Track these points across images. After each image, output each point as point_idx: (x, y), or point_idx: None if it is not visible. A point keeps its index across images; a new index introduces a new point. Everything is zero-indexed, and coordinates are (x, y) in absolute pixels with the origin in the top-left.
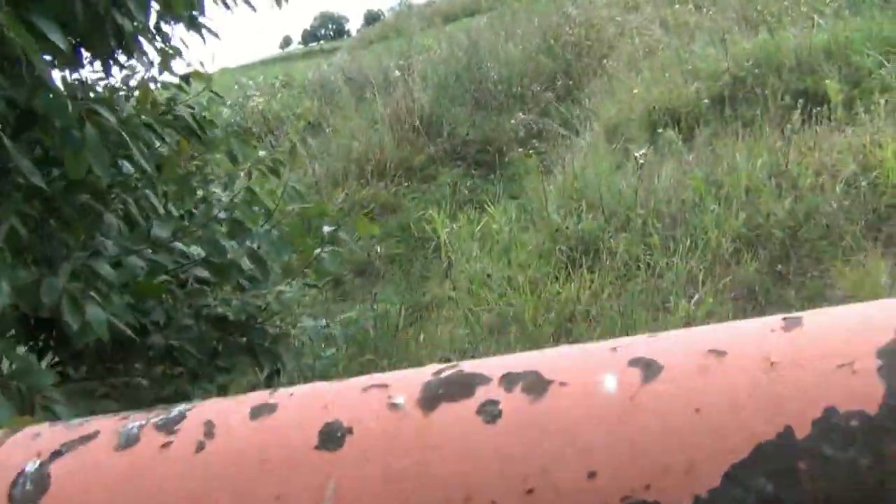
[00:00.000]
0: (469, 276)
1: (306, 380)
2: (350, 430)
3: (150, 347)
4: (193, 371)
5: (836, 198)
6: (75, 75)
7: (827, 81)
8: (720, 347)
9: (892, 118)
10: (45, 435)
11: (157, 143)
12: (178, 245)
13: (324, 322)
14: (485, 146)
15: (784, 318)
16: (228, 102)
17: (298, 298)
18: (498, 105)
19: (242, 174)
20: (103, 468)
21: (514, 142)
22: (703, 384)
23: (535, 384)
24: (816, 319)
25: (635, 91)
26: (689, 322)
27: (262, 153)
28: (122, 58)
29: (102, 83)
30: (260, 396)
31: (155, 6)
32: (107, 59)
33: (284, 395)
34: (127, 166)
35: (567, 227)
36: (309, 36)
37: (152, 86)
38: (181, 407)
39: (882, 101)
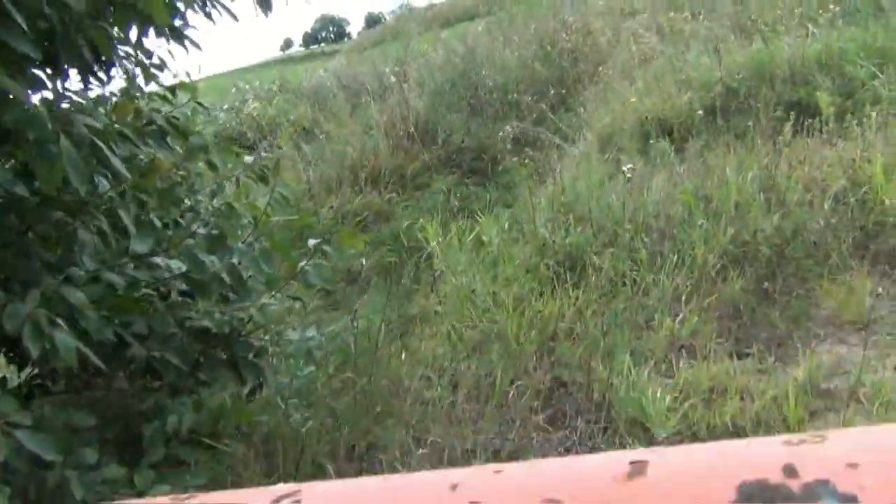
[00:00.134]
0: (456, 290)
1: (283, 399)
2: None
3: (130, 360)
4: (174, 385)
5: (824, 214)
6: (51, 89)
7: (818, 93)
8: (556, 496)
9: (882, 131)
10: None
11: (137, 154)
12: (157, 260)
13: (308, 335)
14: (479, 154)
15: (631, 463)
16: (225, 107)
17: (284, 311)
18: (493, 112)
19: (231, 182)
20: None
21: (508, 150)
22: None
23: None
24: (666, 460)
25: (629, 100)
26: (672, 341)
27: (248, 159)
28: (101, 73)
29: (87, 94)
30: None
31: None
32: (85, 72)
33: None
34: (103, 183)
35: (554, 242)
36: (310, 38)
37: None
38: None
39: (873, 114)
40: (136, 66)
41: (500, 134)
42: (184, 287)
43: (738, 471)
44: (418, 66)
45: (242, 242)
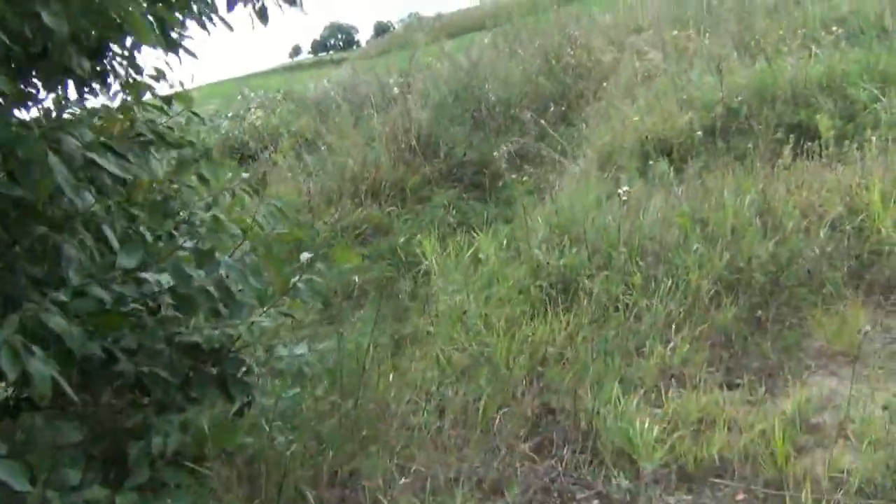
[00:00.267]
0: (449, 310)
1: (268, 421)
2: None
3: (118, 375)
4: (161, 401)
5: (819, 242)
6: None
7: (818, 116)
8: None
9: (882, 157)
10: None
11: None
12: (146, 275)
13: (299, 351)
14: (481, 168)
15: None
16: (230, 114)
17: (275, 327)
18: (496, 126)
19: (226, 194)
20: None
21: (509, 165)
22: None
23: None
24: None
25: (630, 119)
26: (663, 369)
27: (245, 175)
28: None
29: (84, 105)
30: None
31: None
32: (79, 84)
33: None
34: (88, 197)
35: (548, 263)
36: (318, 46)
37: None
38: None
39: (873, 139)
40: (125, 80)
41: (503, 148)
42: (173, 301)
43: None
44: (423, 77)
45: (231, 256)
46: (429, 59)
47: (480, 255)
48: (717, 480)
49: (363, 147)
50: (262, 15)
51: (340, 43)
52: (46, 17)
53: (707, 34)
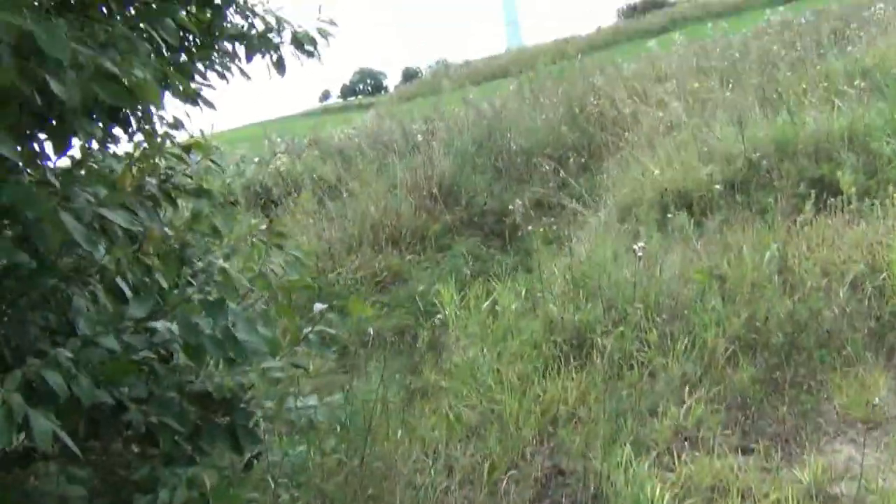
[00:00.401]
0: (462, 363)
1: (274, 478)
2: None
3: (127, 424)
4: (169, 453)
5: (840, 301)
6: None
7: (839, 172)
8: None
9: None
10: None
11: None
12: (157, 324)
13: (309, 403)
14: (502, 217)
15: None
16: (256, 159)
17: (286, 377)
18: (518, 175)
19: (247, 241)
20: None
21: (530, 214)
22: None
23: None
24: None
25: (651, 171)
26: (676, 431)
27: (262, 227)
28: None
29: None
30: None
31: None
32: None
33: None
34: (100, 248)
35: (562, 318)
36: (347, 90)
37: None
38: None
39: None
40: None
41: (524, 197)
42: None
43: None
44: (446, 125)
45: (240, 305)
46: (453, 107)
47: (497, 307)
48: None
49: (385, 194)
50: (280, 66)
51: (369, 88)
52: (55, 87)
53: (730, 85)
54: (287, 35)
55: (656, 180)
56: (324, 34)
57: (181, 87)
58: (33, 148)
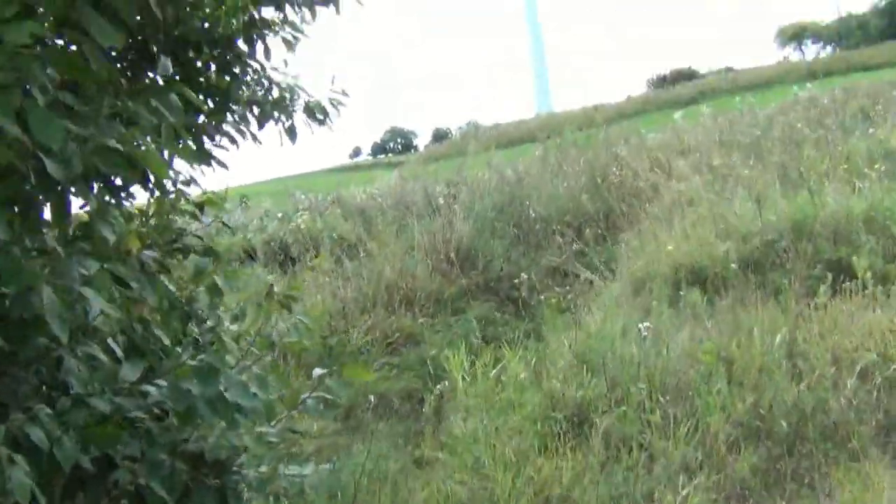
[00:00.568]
0: (463, 435)
1: None
2: None
3: (115, 484)
4: None
5: (848, 392)
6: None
7: (855, 258)
8: None
9: None
10: None
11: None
12: (150, 388)
13: (304, 472)
14: (518, 283)
15: None
16: (279, 215)
17: (281, 441)
18: (536, 242)
19: (251, 306)
20: None
21: (546, 282)
22: None
23: None
24: None
25: (666, 246)
26: None
27: (274, 287)
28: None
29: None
30: None
31: None
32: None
33: None
34: (95, 308)
35: (564, 394)
36: (377, 148)
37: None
38: None
39: None
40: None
41: (541, 264)
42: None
43: None
44: (469, 188)
45: (237, 365)
46: (477, 170)
47: (503, 378)
48: None
49: (402, 255)
50: (291, 133)
51: (399, 146)
52: (50, 167)
53: (752, 161)
54: (300, 104)
55: (671, 255)
56: (335, 104)
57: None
58: (34, 215)
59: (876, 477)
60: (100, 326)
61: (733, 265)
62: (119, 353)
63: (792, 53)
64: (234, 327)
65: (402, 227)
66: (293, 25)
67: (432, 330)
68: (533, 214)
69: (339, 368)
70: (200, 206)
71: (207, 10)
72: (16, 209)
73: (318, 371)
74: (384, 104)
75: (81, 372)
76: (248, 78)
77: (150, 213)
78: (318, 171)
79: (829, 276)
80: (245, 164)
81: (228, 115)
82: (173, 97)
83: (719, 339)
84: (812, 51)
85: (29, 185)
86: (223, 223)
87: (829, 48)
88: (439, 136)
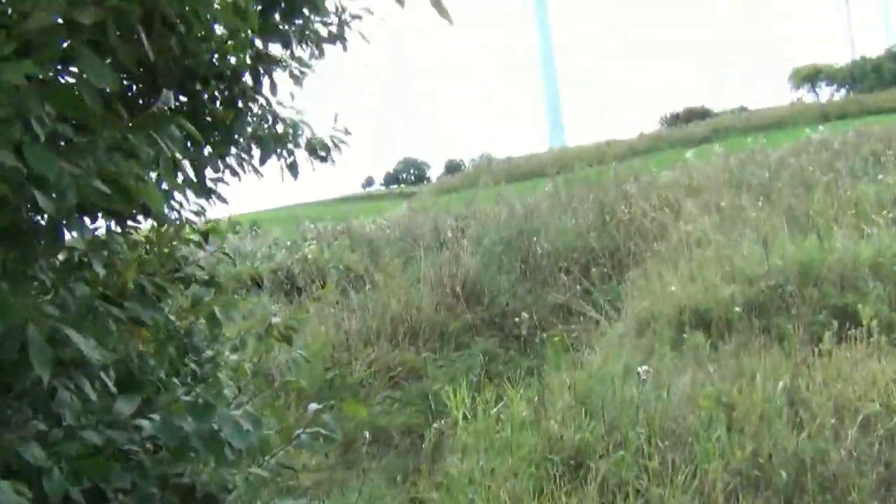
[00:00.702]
0: (457, 476)
1: None
2: None
3: None
4: None
5: (849, 443)
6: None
7: (860, 306)
8: None
9: None
10: None
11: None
12: (143, 422)
13: None
14: (523, 319)
15: None
16: (288, 243)
17: (273, 476)
18: (542, 278)
19: (251, 337)
20: None
21: (551, 319)
22: None
23: None
24: None
25: (671, 287)
26: None
27: (275, 319)
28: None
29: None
30: None
31: None
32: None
33: None
34: (91, 341)
35: (562, 437)
36: (390, 178)
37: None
38: None
39: None
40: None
41: (548, 299)
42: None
43: None
44: (478, 221)
45: (230, 404)
46: (487, 204)
47: (502, 416)
48: None
49: (408, 288)
50: (293, 168)
51: (412, 177)
52: (42, 201)
53: (761, 202)
54: (303, 139)
55: (676, 296)
56: (337, 142)
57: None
58: (27, 248)
59: None
60: (91, 360)
61: (737, 308)
62: (111, 387)
63: (806, 95)
64: (235, 356)
65: (409, 260)
66: (300, 61)
67: (435, 364)
68: (540, 250)
69: (336, 403)
70: (205, 234)
71: (215, 44)
72: (6, 245)
73: (313, 406)
74: (399, 133)
75: (74, 403)
76: (253, 112)
77: (153, 243)
78: (331, 199)
79: (835, 322)
80: (258, 190)
81: (233, 147)
82: (173, 129)
83: (721, 384)
84: (826, 93)
85: (24, 217)
86: (225, 253)
87: (842, 91)
88: (452, 167)
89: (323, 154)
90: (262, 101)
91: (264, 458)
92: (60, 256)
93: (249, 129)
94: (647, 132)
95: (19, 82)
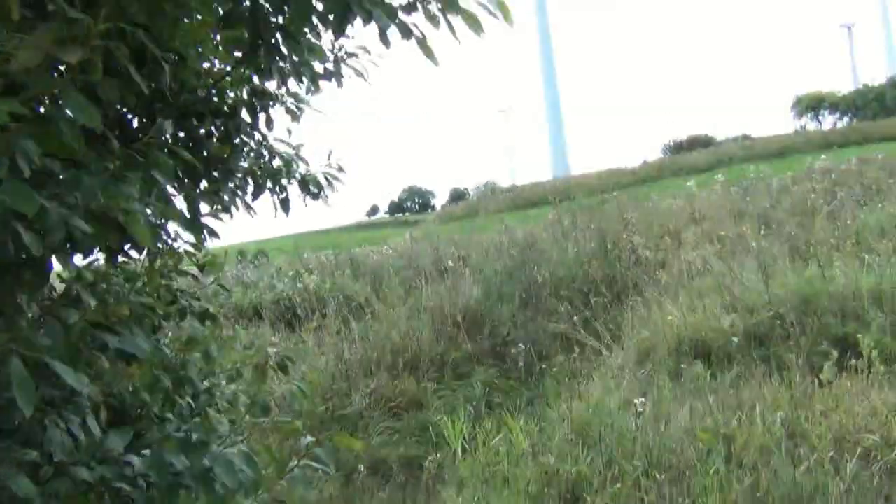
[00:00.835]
0: None
1: None
2: None
3: None
4: None
5: (849, 476)
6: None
7: (860, 336)
8: None
9: None
10: None
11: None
12: (133, 458)
13: None
14: (523, 349)
15: None
16: (291, 273)
17: None
18: (544, 308)
19: (247, 369)
20: None
21: (552, 349)
22: None
23: None
24: None
25: (671, 317)
26: None
27: (272, 350)
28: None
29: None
30: None
31: None
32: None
33: None
34: (83, 379)
35: (558, 471)
36: (395, 206)
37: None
38: None
39: None
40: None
41: (549, 329)
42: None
43: None
44: (479, 251)
45: (221, 442)
46: (489, 233)
47: (501, 448)
48: None
49: (409, 318)
50: (285, 204)
51: (416, 205)
52: (26, 238)
53: (762, 231)
54: (297, 175)
55: (676, 326)
56: (330, 179)
57: (193, 215)
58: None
59: None
60: (81, 394)
61: (735, 339)
62: (101, 425)
63: (808, 123)
64: (232, 387)
65: (410, 289)
66: (296, 97)
67: (436, 395)
68: (541, 279)
69: (330, 435)
70: (202, 267)
71: (213, 80)
72: None
73: (304, 440)
74: (403, 161)
75: (65, 440)
76: (249, 148)
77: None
78: (336, 228)
79: (835, 352)
80: (263, 219)
81: (229, 183)
82: (166, 158)
83: (720, 415)
84: (829, 121)
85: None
86: (221, 285)
87: (845, 119)
88: (457, 195)
89: (315, 191)
90: (258, 136)
91: (257, 492)
92: (58, 288)
93: (245, 164)
94: (651, 160)
95: (3, 122)
